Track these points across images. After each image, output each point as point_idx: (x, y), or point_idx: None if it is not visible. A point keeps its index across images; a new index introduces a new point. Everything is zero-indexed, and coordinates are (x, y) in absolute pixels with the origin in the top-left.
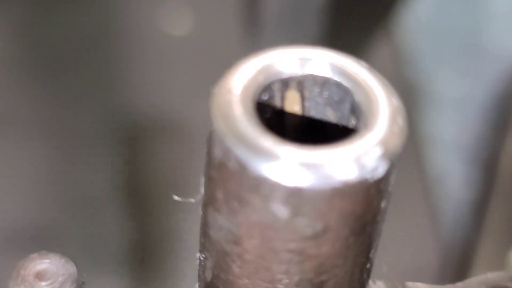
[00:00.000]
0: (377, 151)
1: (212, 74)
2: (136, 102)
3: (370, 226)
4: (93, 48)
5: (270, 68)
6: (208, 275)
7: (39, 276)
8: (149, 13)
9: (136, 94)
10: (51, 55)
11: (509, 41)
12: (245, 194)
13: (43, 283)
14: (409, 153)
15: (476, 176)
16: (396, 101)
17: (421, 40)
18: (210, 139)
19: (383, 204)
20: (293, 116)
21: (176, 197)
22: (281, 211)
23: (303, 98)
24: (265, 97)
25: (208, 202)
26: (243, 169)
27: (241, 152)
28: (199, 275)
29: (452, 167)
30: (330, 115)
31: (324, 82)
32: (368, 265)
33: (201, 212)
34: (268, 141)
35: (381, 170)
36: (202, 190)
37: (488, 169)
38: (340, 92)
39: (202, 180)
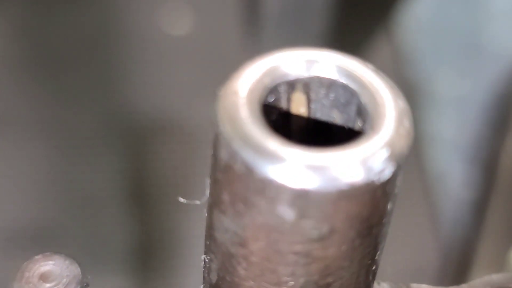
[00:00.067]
0: (384, 153)
1: (212, 74)
2: (136, 102)
3: (376, 228)
4: (93, 48)
5: (276, 70)
6: (213, 277)
7: (44, 277)
8: (149, 13)
9: (136, 94)
10: (51, 55)
11: (509, 41)
12: (251, 196)
13: (48, 285)
14: (409, 153)
15: (476, 176)
16: (402, 103)
17: (421, 40)
18: (216, 141)
19: (389, 206)
20: (299, 118)
21: (181, 199)
22: (287, 213)
23: (309, 100)
24: (271, 99)
25: (214, 204)
26: (249, 172)
27: (247, 155)
28: (204, 277)
29: (452, 167)
30: (336, 117)
31: (330, 84)
32: (373, 267)
33: (207, 214)
34: (274, 144)
35: (387, 172)
36: (208, 192)
37: (488, 169)
38: (347, 94)
39: (208, 182)
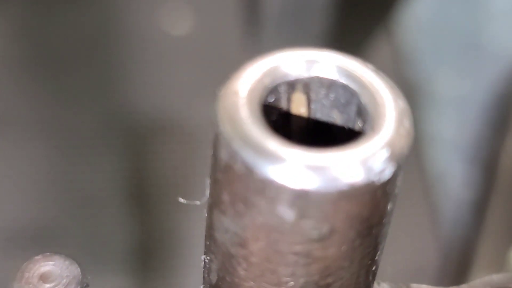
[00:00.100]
0: (384, 154)
1: (212, 74)
2: (136, 102)
3: (376, 228)
4: (93, 48)
5: (276, 70)
6: (213, 278)
7: (43, 278)
8: (149, 13)
9: (136, 93)
10: (51, 55)
11: (509, 41)
12: (251, 197)
13: (47, 285)
14: (409, 153)
15: (476, 176)
16: (402, 104)
17: (421, 40)
18: (216, 141)
19: (389, 207)
20: (299, 118)
21: (181, 200)
22: (287, 213)
23: (309, 100)
24: (271, 100)
25: (214, 204)
26: (249, 172)
27: (247, 155)
28: (204, 277)
29: (452, 167)
30: (336, 118)
31: (331, 84)
32: (373, 267)
33: (207, 215)
34: (274, 144)
35: (387, 173)
36: (208, 192)
37: (488, 169)
38: (347, 94)
39: (208, 182)
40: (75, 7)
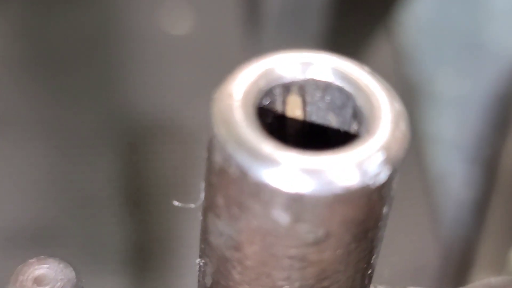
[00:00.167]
0: (379, 157)
1: (212, 74)
2: (136, 102)
3: (372, 232)
4: (93, 48)
5: (271, 72)
6: (208, 281)
7: (38, 281)
8: (149, 13)
9: (136, 94)
10: (51, 55)
11: (509, 41)
12: (246, 200)
13: None
14: (409, 153)
15: (476, 176)
16: (398, 106)
17: (421, 40)
18: (211, 144)
19: (385, 210)
20: (294, 121)
21: (176, 203)
22: (282, 217)
23: (304, 103)
24: (266, 102)
25: (209, 207)
26: (243, 175)
27: (241, 158)
28: (198, 281)
29: (452, 167)
30: (332, 120)
31: (326, 87)
32: (369, 271)
33: (202, 218)
34: (269, 147)
35: (383, 176)
36: (203, 195)
37: (488, 169)
38: (342, 97)
39: (203, 185)
40: (75, 7)
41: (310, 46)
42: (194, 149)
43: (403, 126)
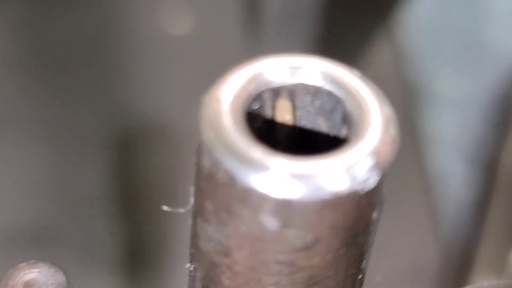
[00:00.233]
0: (368, 162)
1: (212, 74)
2: (137, 102)
3: (362, 237)
4: (93, 48)
5: (260, 77)
6: (198, 286)
7: (28, 285)
8: (149, 13)
9: (137, 94)
10: (51, 55)
11: (510, 41)
12: (234, 206)
13: None
14: (409, 153)
15: (476, 176)
16: (388, 110)
17: (421, 40)
18: (199, 149)
19: (374, 215)
20: (284, 125)
21: (165, 207)
22: (270, 222)
23: (294, 107)
24: (255, 107)
25: (198, 212)
26: (232, 181)
27: (230, 163)
28: (189, 286)
29: (452, 167)
30: (322, 124)
31: (316, 91)
32: (360, 276)
33: (191, 223)
34: (257, 152)
35: (372, 181)
36: (192, 200)
37: (489, 169)
38: (332, 101)
39: (192, 190)
40: (75, 7)
41: (310, 46)
42: (195, 149)
43: (393, 130)
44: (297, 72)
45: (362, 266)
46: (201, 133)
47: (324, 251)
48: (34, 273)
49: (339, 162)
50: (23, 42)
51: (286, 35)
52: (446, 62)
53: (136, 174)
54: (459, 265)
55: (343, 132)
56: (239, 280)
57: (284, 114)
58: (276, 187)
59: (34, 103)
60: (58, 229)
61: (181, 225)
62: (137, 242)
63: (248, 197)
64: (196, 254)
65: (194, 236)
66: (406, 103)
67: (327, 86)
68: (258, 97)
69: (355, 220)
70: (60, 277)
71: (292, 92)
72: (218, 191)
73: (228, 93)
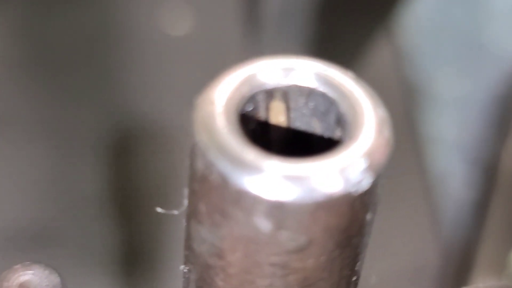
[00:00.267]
0: (362, 164)
1: (212, 74)
2: (137, 102)
3: (356, 238)
4: (93, 48)
5: (254, 78)
6: None
7: (23, 287)
8: (149, 13)
9: (136, 94)
10: (51, 55)
11: (510, 41)
12: (228, 208)
13: None
14: (409, 153)
15: (477, 176)
16: (382, 112)
17: (421, 40)
18: (192, 151)
19: (368, 217)
20: (278, 127)
21: (159, 209)
22: (264, 224)
23: (288, 109)
24: (249, 108)
25: (191, 214)
26: (225, 183)
27: (223, 166)
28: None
29: (452, 167)
30: (316, 126)
31: (310, 93)
32: (354, 278)
33: (185, 225)
34: (251, 154)
35: (365, 183)
36: (186, 202)
37: (489, 169)
38: (326, 103)
39: (186, 192)
40: (75, 7)
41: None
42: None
43: (387, 132)
44: (291, 73)
45: (356, 268)
46: (194, 135)
47: (318, 253)
48: (28, 274)
49: (333, 164)
50: (23, 42)
51: (286, 35)
52: (446, 62)
53: (135, 175)
54: (459, 265)
55: (337, 134)
56: (233, 282)
57: (278, 115)
58: (269, 189)
59: (34, 103)
60: (56, 229)
61: (177, 227)
62: (133, 244)
63: (242, 199)
64: (190, 256)
65: (188, 238)
66: (406, 104)
67: (321, 88)
68: (251, 98)
69: (349, 222)
70: (54, 279)
71: (286, 93)
72: (212, 193)
73: (222, 95)
